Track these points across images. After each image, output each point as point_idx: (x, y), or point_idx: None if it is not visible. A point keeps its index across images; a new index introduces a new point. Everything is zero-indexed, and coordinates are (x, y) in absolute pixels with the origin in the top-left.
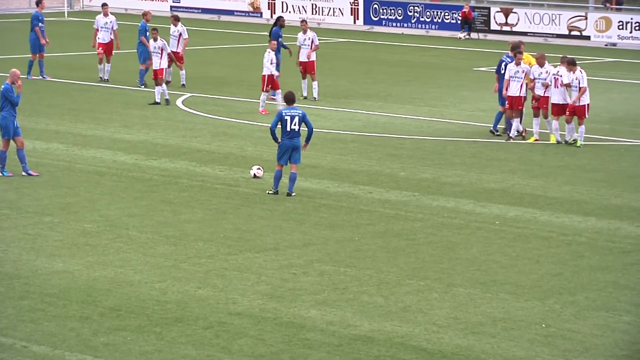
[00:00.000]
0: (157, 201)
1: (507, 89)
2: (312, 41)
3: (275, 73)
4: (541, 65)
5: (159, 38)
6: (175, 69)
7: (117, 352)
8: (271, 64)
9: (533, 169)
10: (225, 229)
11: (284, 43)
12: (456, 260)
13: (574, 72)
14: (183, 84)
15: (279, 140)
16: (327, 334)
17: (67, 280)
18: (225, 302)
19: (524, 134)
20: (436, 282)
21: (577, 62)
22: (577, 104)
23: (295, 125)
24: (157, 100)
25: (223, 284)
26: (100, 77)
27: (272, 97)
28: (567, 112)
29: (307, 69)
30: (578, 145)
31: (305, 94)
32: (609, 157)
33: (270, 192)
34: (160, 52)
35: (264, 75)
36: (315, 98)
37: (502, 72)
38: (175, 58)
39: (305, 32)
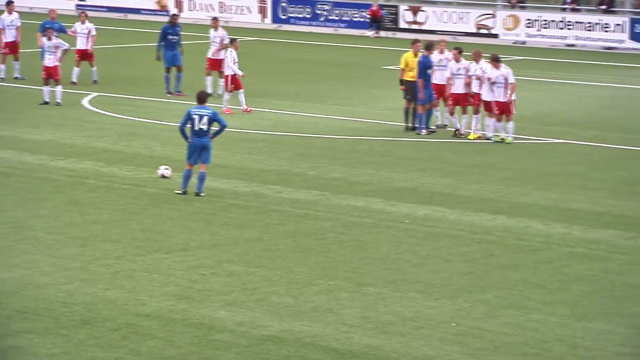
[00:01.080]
0: (64, 202)
1: (444, 86)
2: (222, 39)
3: (239, 73)
4: (477, 61)
5: (53, 37)
6: (84, 68)
7: (23, 354)
8: (234, 63)
9: (443, 168)
10: (133, 229)
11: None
12: (366, 259)
13: (498, 69)
14: (95, 81)
15: (189, 139)
16: (237, 335)
17: None
18: (134, 304)
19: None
20: (346, 281)
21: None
22: (505, 101)
23: (204, 124)
24: (47, 99)
25: (131, 285)
26: (2, 77)
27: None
28: (496, 110)
29: (214, 66)
30: (508, 142)
31: (210, 91)
32: (519, 155)
33: (178, 192)
34: (54, 50)
35: (227, 76)
36: (220, 94)
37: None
38: (84, 56)
39: (216, 29)
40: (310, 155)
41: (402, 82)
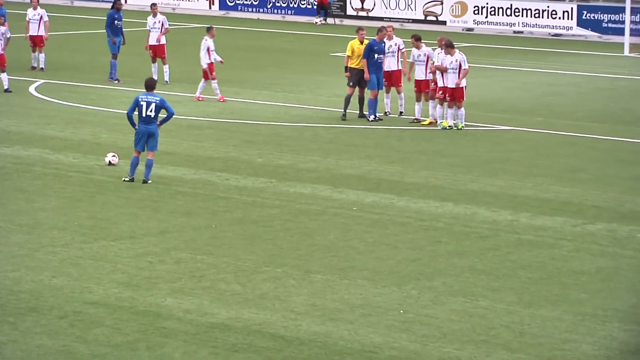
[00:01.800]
0: (10, 189)
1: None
2: (162, 24)
3: (218, 58)
4: (440, 47)
5: (2, 25)
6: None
7: None
8: (208, 52)
9: (390, 155)
10: (80, 217)
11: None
12: (313, 246)
13: (452, 55)
14: (42, 68)
15: (136, 126)
16: (184, 323)
17: None
18: (81, 291)
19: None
20: (293, 268)
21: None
22: (456, 87)
23: (151, 111)
24: (6, 87)
25: (78, 273)
26: None
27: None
28: (447, 96)
29: (157, 52)
30: (460, 127)
31: (156, 78)
32: (465, 142)
33: (126, 179)
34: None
35: (210, 64)
36: (166, 82)
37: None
38: (36, 41)
39: (155, 15)
40: (257, 143)
41: (347, 69)
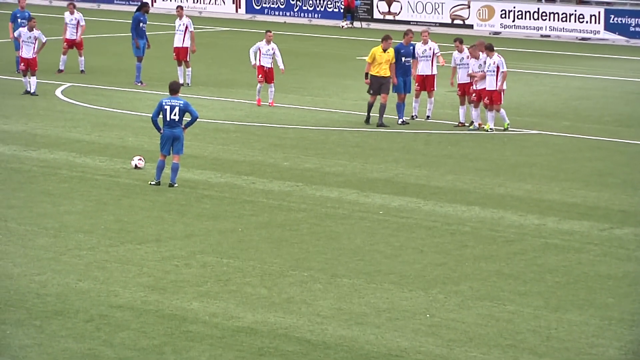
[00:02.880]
0: (36, 192)
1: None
2: (187, 27)
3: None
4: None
5: (35, 28)
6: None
7: None
8: (262, 55)
9: (416, 159)
10: (106, 220)
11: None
12: (340, 250)
13: (491, 57)
14: (82, 70)
15: (161, 130)
16: (210, 326)
17: None
18: (107, 295)
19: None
20: (320, 272)
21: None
22: (494, 90)
23: (175, 115)
24: (28, 89)
25: (104, 277)
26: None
27: (137, 83)
28: (485, 99)
29: (180, 55)
30: (505, 127)
31: (181, 81)
32: (492, 146)
33: (152, 183)
34: (34, 41)
35: (260, 67)
36: (188, 84)
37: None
38: (73, 45)
39: (180, 17)
40: (284, 146)
41: (367, 75)
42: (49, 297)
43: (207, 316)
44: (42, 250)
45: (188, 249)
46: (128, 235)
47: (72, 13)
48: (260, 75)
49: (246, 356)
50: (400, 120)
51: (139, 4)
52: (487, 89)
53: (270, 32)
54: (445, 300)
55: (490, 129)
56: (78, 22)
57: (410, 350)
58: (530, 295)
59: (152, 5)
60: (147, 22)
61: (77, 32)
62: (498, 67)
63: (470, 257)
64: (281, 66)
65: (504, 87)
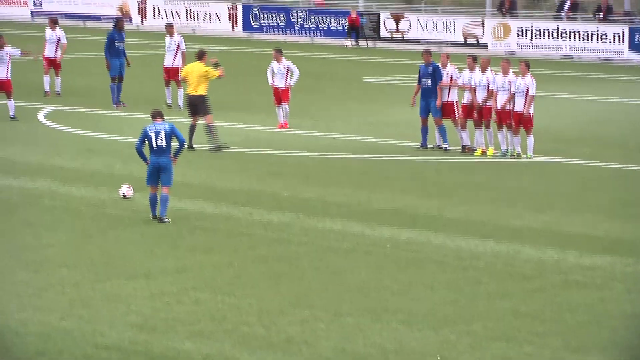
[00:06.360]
0: (16, 224)
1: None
2: (178, 46)
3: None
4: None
5: (5, 45)
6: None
7: None
8: (275, 75)
9: (427, 188)
10: (92, 253)
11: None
12: (344, 286)
13: (523, 77)
14: (58, 92)
15: (147, 160)
16: None
17: None
18: (92, 334)
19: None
20: (322, 310)
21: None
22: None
23: (161, 140)
24: (12, 114)
25: (89, 315)
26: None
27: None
28: (513, 122)
29: (170, 75)
30: (528, 156)
31: (169, 102)
32: (508, 174)
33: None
34: (7, 59)
35: (276, 89)
36: (180, 107)
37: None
38: (52, 64)
39: (171, 35)
40: (283, 174)
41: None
42: (29, 337)
43: (200, 357)
44: (22, 285)
45: (180, 285)
46: (115, 270)
47: (53, 29)
48: (275, 97)
49: None
50: (445, 145)
51: (115, 21)
52: (515, 110)
53: (278, 50)
54: (457, 340)
55: (518, 154)
56: (59, 39)
57: None
58: (549, 335)
59: (142, 22)
60: (125, 40)
61: (56, 50)
62: (528, 89)
63: (484, 294)
64: (289, 81)
65: (532, 110)
